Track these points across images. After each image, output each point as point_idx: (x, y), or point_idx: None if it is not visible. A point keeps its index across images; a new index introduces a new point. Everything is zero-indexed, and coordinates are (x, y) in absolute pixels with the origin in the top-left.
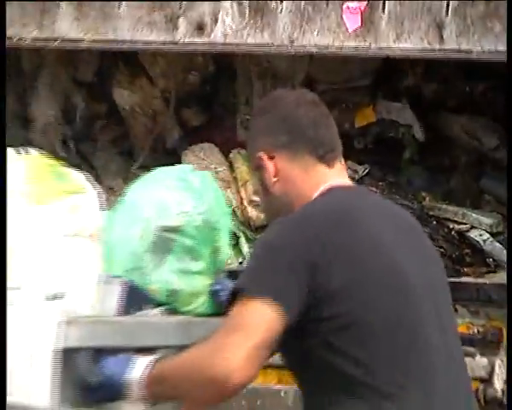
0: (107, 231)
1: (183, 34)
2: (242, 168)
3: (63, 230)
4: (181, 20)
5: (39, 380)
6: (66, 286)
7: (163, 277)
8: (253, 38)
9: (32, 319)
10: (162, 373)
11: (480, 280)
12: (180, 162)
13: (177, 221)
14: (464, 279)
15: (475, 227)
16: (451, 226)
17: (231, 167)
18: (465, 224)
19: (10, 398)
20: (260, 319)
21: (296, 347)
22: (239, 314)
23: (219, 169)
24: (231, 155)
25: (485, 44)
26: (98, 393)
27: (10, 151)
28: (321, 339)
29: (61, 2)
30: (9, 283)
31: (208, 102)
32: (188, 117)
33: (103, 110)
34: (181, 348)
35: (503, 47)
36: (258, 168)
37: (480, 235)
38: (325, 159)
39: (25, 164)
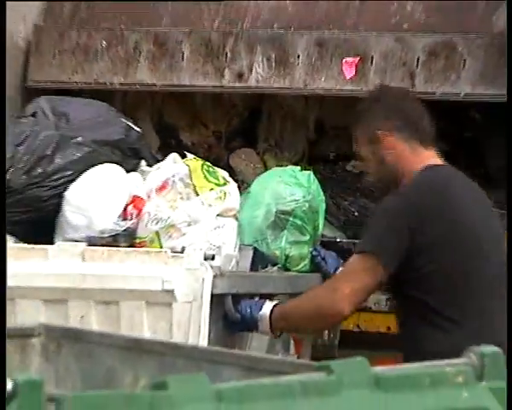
0: (241, 212)
1: (228, 80)
2: (273, 166)
3: (215, 211)
4: (226, 70)
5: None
6: (217, 250)
7: (281, 246)
8: (277, 83)
9: (195, 274)
10: (285, 311)
11: None
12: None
13: (290, 207)
14: None
15: None
16: None
17: (265, 166)
18: None
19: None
20: (367, 269)
21: (398, 290)
22: (352, 265)
23: (257, 166)
24: (265, 157)
25: (445, 88)
26: (239, 326)
27: (175, 155)
28: (415, 283)
29: (140, 57)
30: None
31: (247, 135)
32: (233, 146)
33: (173, 144)
34: (291, 295)
35: (457, 90)
36: (373, 142)
37: None
38: (426, 144)
39: (188, 165)
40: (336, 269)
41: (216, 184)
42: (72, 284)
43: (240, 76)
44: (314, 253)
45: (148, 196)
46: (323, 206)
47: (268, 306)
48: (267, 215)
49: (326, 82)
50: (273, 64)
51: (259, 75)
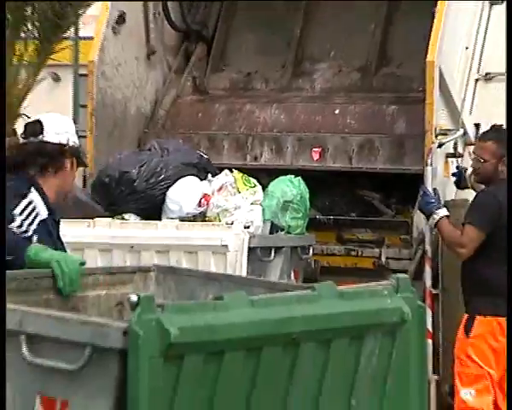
0: (264, 202)
1: (248, 161)
2: None
3: (249, 202)
4: (247, 155)
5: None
6: (250, 223)
7: (286, 220)
8: (276, 162)
9: (239, 236)
10: (445, 227)
11: None
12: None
13: (290, 198)
14: None
15: None
16: None
17: None
18: None
19: None
20: (473, 234)
21: (483, 243)
22: (467, 232)
23: None
24: None
25: (367, 165)
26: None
27: (226, 170)
28: (493, 240)
29: (224, 141)
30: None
31: None
32: None
33: None
34: (292, 247)
35: (375, 166)
36: (497, 159)
37: None
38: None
39: (234, 176)
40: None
41: (249, 186)
42: (171, 242)
43: (255, 158)
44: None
45: (212, 194)
46: (308, 196)
47: (444, 211)
48: (278, 203)
49: (303, 162)
50: (274, 153)
51: (267, 158)
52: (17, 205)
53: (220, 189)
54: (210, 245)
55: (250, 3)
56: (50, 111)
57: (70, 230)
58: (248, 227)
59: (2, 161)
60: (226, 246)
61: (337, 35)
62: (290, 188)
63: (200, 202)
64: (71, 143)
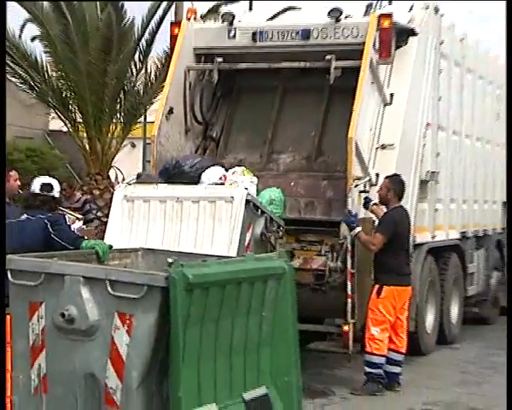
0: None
1: None
2: None
3: (249, 180)
4: None
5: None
6: (248, 191)
7: (270, 209)
8: None
9: (241, 193)
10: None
11: None
12: None
13: (274, 198)
14: None
15: None
16: None
17: None
18: None
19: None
20: (380, 238)
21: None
22: (377, 237)
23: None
24: None
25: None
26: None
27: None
28: (393, 241)
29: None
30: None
31: None
32: None
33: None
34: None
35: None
36: (384, 191)
37: None
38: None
39: (243, 168)
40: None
41: (250, 176)
42: (201, 195)
43: None
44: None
45: (228, 175)
46: (284, 199)
47: (359, 228)
48: (267, 200)
49: None
50: None
51: None
52: (64, 221)
53: (233, 173)
54: (223, 197)
55: (243, 115)
56: (129, 165)
57: (144, 190)
58: (247, 189)
59: (3, 162)
60: (233, 197)
61: (292, 137)
62: (274, 193)
63: (220, 177)
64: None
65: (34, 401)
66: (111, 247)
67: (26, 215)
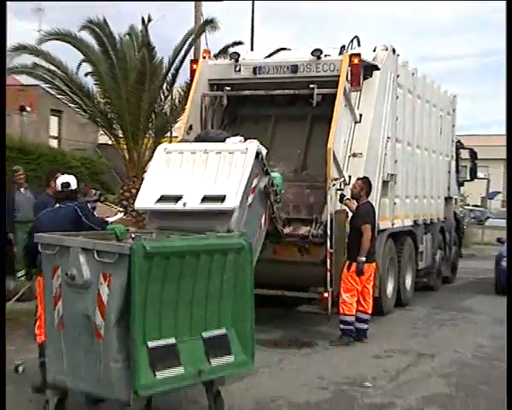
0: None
1: None
2: None
3: (258, 143)
4: None
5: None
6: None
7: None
8: None
9: (253, 146)
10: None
11: None
12: None
13: (275, 176)
14: None
15: None
16: None
17: None
18: None
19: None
20: (369, 227)
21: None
22: (367, 227)
23: None
24: None
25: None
26: None
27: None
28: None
29: None
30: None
31: None
32: None
33: None
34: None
35: None
36: (357, 189)
37: None
38: (368, 195)
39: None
40: None
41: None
42: (222, 149)
43: None
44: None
45: (244, 140)
46: (284, 178)
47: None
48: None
49: None
50: None
51: None
52: (88, 209)
53: (250, 142)
54: (239, 149)
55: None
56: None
57: (180, 145)
58: (258, 146)
59: (3, 161)
60: (247, 149)
61: (283, 155)
62: (274, 174)
63: (239, 141)
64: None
65: (57, 334)
66: (128, 230)
67: (58, 204)
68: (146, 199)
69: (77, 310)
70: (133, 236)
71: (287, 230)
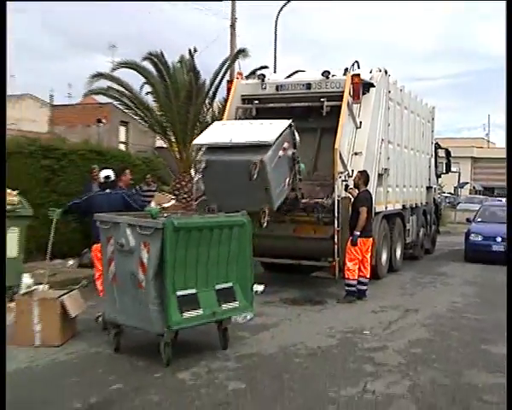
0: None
1: None
2: None
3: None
4: None
5: None
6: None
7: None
8: None
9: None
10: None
11: None
12: None
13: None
14: None
15: None
16: None
17: None
18: None
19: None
20: (366, 209)
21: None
22: (364, 209)
23: None
24: None
25: None
26: None
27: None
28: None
29: None
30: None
31: None
32: None
33: None
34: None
35: None
36: (357, 180)
37: None
38: (366, 185)
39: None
40: None
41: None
42: (265, 121)
43: None
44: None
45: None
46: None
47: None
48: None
49: None
50: None
51: None
52: (132, 195)
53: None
54: (279, 122)
55: None
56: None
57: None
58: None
59: (3, 159)
60: (283, 122)
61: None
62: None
63: None
64: (113, 178)
65: (111, 286)
66: (161, 210)
67: (107, 190)
68: (202, 138)
69: (125, 269)
70: (166, 215)
71: (304, 200)
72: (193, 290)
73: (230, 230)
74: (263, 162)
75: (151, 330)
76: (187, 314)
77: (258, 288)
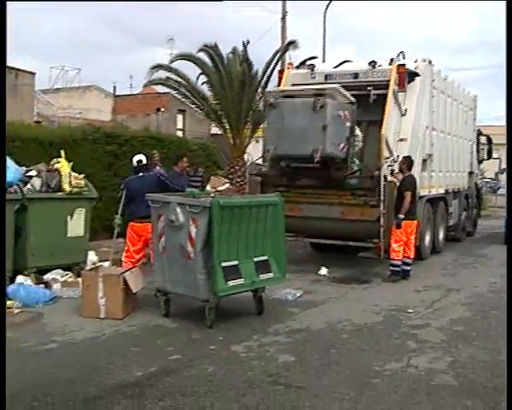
0: None
1: None
2: None
3: None
4: None
5: None
6: None
7: None
8: None
9: None
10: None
11: None
12: None
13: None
14: None
15: None
16: None
17: None
18: None
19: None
20: (410, 194)
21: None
22: (407, 194)
23: None
24: None
25: None
26: None
27: None
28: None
29: None
30: None
31: None
32: None
33: None
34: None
35: None
36: (402, 164)
37: None
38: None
39: None
40: None
41: None
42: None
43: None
44: None
45: None
46: None
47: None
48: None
49: None
50: None
51: None
52: (166, 176)
53: None
54: None
55: None
56: (254, 152)
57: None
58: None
59: (3, 158)
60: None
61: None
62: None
63: None
64: (145, 162)
65: (160, 257)
66: (199, 193)
67: (141, 174)
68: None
69: (175, 242)
70: (212, 195)
71: (353, 181)
72: (235, 262)
73: (266, 208)
74: (326, 101)
75: (197, 297)
76: (231, 283)
77: (323, 270)
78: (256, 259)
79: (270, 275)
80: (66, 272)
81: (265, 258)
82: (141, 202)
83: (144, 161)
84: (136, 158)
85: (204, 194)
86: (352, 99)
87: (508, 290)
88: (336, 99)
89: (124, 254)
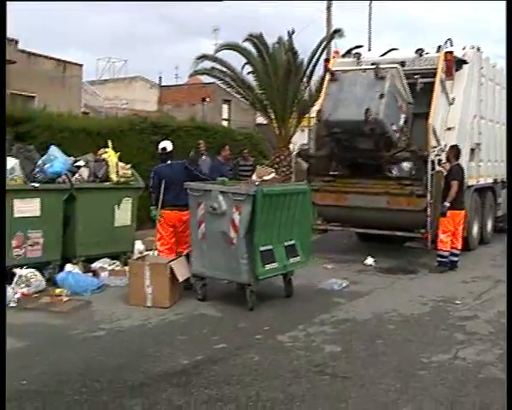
0: None
1: None
2: None
3: None
4: None
5: None
6: None
7: None
8: None
9: None
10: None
11: None
12: None
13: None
14: None
15: None
16: None
17: None
18: None
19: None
20: (457, 183)
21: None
22: (454, 183)
23: None
24: None
25: None
26: None
27: None
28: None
29: None
30: None
31: None
32: None
33: None
34: None
35: None
36: (449, 154)
37: None
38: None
39: None
40: None
41: None
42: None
43: None
44: None
45: None
46: None
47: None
48: None
49: None
50: None
51: None
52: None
53: None
54: None
55: None
56: (300, 141)
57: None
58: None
59: (3, 157)
60: None
61: None
62: None
63: None
64: (169, 149)
65: (199, 243)
66: (228, 181)
67: (169, 162)
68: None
69: (216, 228)
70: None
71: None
72: (270, 247)
73: (297, 196)
74: (386, 74)
75: (239, 281)
76: (267, 267)
77: (369, 260)
78: (286, 243)
79: (297, 258)
80: (114, 261)
81: (293, 242)
82: (172, 191)
83: (169, 149)
84: (160, 145)
85: (232, 183)
86: (411, 100)
87: (508, 290)
88: (395, 81)
89: (158, 243)
